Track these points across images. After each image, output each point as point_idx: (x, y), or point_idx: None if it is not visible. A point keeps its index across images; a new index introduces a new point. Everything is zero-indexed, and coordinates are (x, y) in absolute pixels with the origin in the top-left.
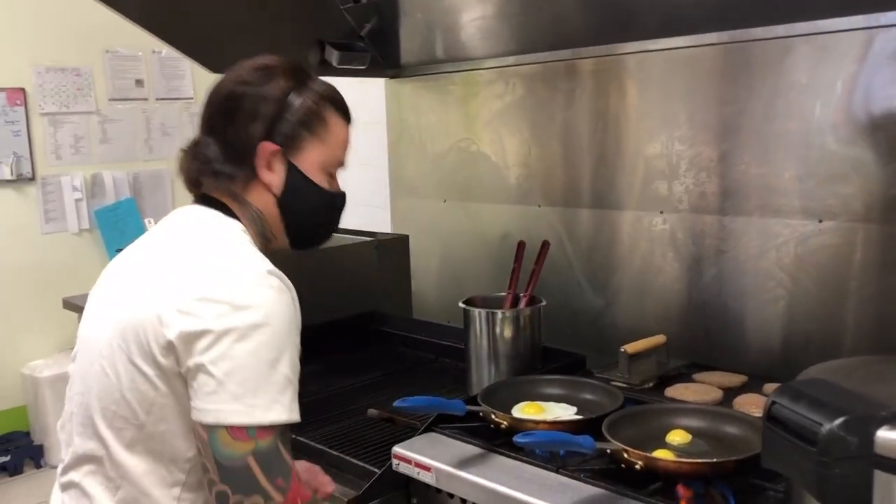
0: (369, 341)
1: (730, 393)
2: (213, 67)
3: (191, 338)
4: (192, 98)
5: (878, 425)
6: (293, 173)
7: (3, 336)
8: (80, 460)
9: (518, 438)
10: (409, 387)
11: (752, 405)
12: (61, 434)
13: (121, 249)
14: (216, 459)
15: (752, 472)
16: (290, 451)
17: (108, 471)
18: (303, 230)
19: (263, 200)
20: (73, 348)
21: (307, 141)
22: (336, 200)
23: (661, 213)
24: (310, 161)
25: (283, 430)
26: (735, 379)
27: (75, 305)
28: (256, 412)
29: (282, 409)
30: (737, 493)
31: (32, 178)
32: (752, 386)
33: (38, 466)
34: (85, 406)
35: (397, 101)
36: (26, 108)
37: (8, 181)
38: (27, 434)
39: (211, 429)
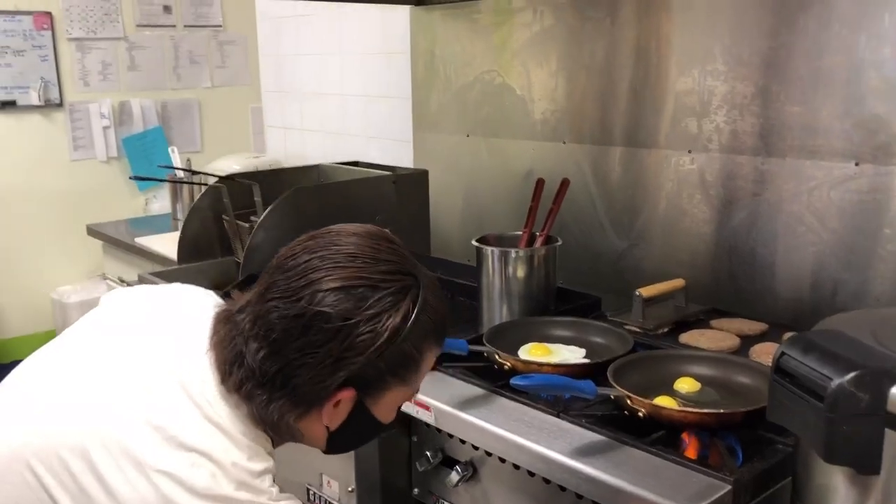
0: None
1: (748, 341)
2: None
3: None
4: (220, 26)
5: (893, 382)
6: (360, 414)
7: (32, 261)
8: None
9: (515, 381)
10: None
11: (768, 354)
12: None
13: (141, 177)
14: None
15: (761, 424)
16: None
17: None
18: (342, 449)
19: (315, 430)
20: (99, 275)
21: (391, 386)
22: (390, 427)
23: (690, 152)
24: (386, 403)
25: None
26: (756, 327)
27: (100, 233)
28: None
29: None
30: (744, 446)
31: (60, 105)
32: (773, 335)
33: None
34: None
35: (422, 31)
36: (53, 32)
37: (35, 107)
38: None
39: None
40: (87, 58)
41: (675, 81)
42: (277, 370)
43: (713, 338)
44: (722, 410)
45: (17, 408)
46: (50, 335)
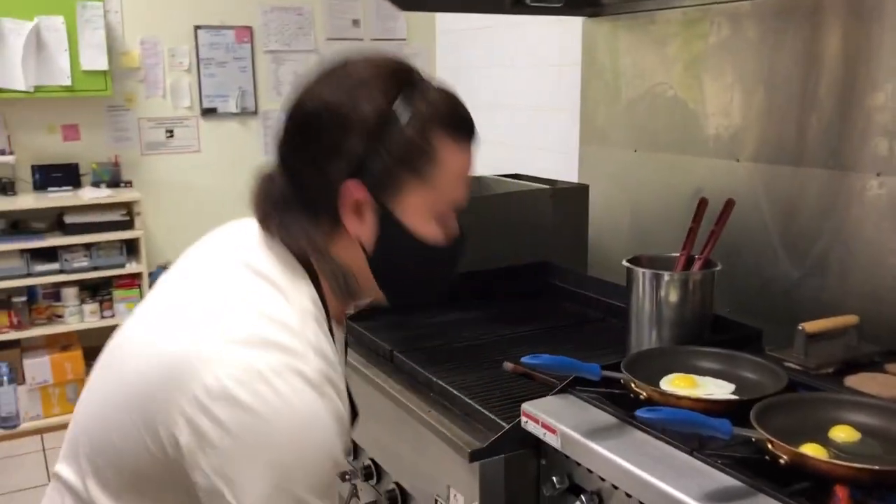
0: (537, 293)
1: None
2: (403, 5)
3: (193, 445)
4: (404, 39)
5: None
6: (389, 224)
7: None
8: (57, 478)
9: (641, 413)
10: (566, 344)
11: None
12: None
13: None
14: None
15: None
16: None
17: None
18: (403, 289)
19: (351, 254)
20: None
21: (407, 183)
22: (449, 250)
23: (879, 175)
24: (412, 206)
25: None
26: None
27: None
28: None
29: None
30: None
31: (255, 112)
32: None
33: None
34: (79, 424)
35: (594, 42)
36: (252, 45)
37: (233, 114)
38: None
39: None
40: (281, 69)
41: (863, 96)
42: (289, 181)
43: (885, 383)
44: (878, 467)
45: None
46: None
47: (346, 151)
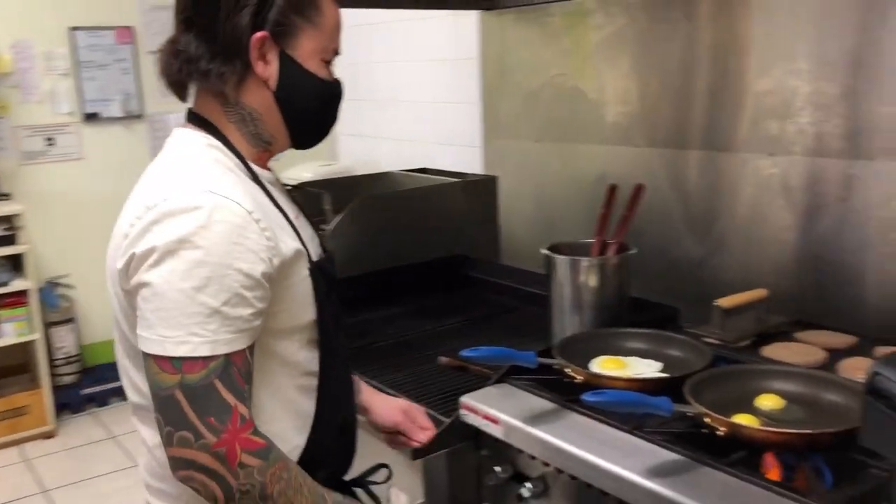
0: (454, 286)
1: (836, 355)
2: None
3: (128, 262)
4: None
5: None
6: (288, 64)
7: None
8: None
9: (587, 397)
10: (490, 334)
11: (859, 370)
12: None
13: None
14: (149, 387)
15: (853, 447)
16: (239, 388)
17: (140, 414)
18: (304, 125)
19: (259, 98)
20: None
21: (300, 28)
22: (336, 89)
23: (771, 155)
24: (305, 49)
25: (225, 364)
26: (843, 340)
27: None
28: (167, 344)
29: (200, 342)
30: (834, 469)
31: (140, 116)
32: (863, 349)
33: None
34: (119, 339)
35: (491, 36)
36: (135, 46)
37: (117, 118)
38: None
39: (144, 355)
40: None
41: (754, 82)
42: (200, 40)
43: (798, 351)
44: (810, 431)
45: None
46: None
47: (249, 4)
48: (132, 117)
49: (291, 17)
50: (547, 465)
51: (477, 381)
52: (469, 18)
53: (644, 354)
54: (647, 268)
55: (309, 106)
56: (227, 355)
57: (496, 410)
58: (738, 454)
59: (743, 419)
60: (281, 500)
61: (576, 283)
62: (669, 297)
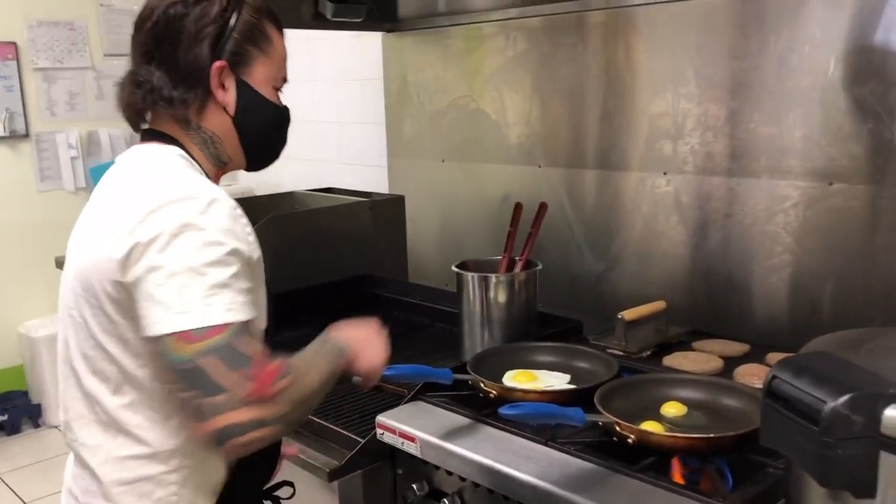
0: (363, 305)
1: (731, 363)
2: None
3: (129, 252)
4: None
5: (886, 404)
6: (245, 90)
7: None
8: (75, 416)
9: (504, 410)
10: (402, 352)
11: (753, 376)
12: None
13: None
14: (173, 367)
15: (752, 448)
16: (254, 344)
17: (102, 418)
18: (259, 147)
19: (217, 122)
20: None
21: (254, 57)
22: (286, 114)
23: (665, 174)
24: (258, 77)
25: (240, 329)
26: (737, 348)
27: None
28: (186, 318)
29: (219, 311)
30: (734, 470)
31: (26, 135)
32: (755, 355)
33: (36, 426)
34: (67, 360)
35: (395, 57)
36: (18, 62)
37: (1, 137)
38: (25, 393)
39: (157, 340)
40: (54, 88)
41: (648, 104)
42: (162, 71)
43: (696, 360)
44: (712, 435)
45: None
46: (17, 370)
47: (208, 36)
48: (17, 136)
49: (246, 48)
50: (464, 479)
51: (391, 400)
52: (374, 39)
53: (553, 367)
54: (550, 283)
55: (264, 130)
56: (241, 322)
57: (412, 428)
58: (648, 460)
59: (650, 426)
60: (298, 394)
61: (486, 299)
62: (572, 310)
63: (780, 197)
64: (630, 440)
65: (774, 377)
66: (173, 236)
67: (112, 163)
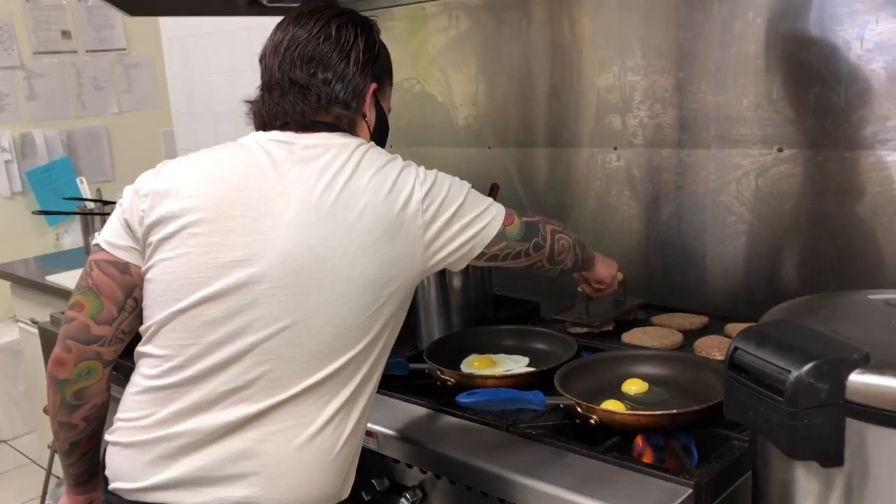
0: None
1: (690, 336)
2: (131, 11)
3: (417, 208)
4: (124, 49)
5: (850, 369)
6: (380, 112)
7: None
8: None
9: (461, 398)
10: None
11: (713, 348)
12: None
13: (46, 212)
14: (518, 241)
15: (715, 422)
16: None
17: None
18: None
19: (363, 135)
20: (10, 317)
21: (387, 82)
22: (387, 128)
23: (616, 149)
24: (387, 101)
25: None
26: (696, 320)
27: (8, 273)
28: (497, 214)
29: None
30: (699, 445)
31: None
32: (714, 327)
33: None
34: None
35: None
36: None
37: None
38: None
39: (495, 239)
40: None
41: (595, 79)
42: (332, 82)
43: (655, 335)
44: (675, 411)
45: None
46: None
47: (369, 61)
48: None
49: (385, 74)
50: (424, 472)
51: None
52: None
53: (512, 350)
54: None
55: (382, 143)
56: None
57: (370, 423)
58: (612, 440)
59: (612, 405)
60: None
61: (440, 284)
62: (529, 292)
63: (732, 166)
64: (592, 421)
65: (737, 349)
66: (430, 179)
67: (53, 165)
